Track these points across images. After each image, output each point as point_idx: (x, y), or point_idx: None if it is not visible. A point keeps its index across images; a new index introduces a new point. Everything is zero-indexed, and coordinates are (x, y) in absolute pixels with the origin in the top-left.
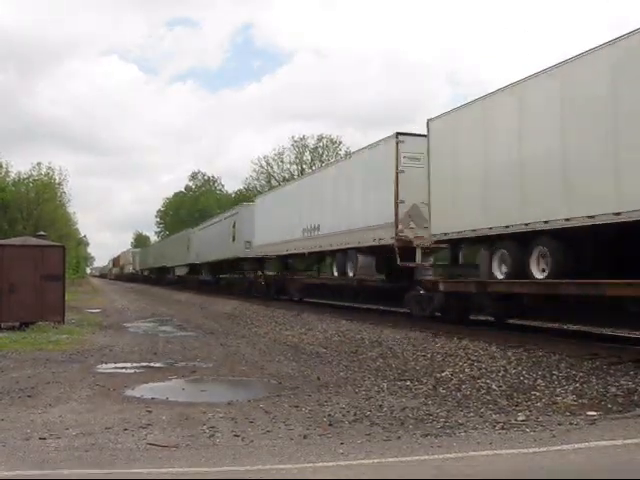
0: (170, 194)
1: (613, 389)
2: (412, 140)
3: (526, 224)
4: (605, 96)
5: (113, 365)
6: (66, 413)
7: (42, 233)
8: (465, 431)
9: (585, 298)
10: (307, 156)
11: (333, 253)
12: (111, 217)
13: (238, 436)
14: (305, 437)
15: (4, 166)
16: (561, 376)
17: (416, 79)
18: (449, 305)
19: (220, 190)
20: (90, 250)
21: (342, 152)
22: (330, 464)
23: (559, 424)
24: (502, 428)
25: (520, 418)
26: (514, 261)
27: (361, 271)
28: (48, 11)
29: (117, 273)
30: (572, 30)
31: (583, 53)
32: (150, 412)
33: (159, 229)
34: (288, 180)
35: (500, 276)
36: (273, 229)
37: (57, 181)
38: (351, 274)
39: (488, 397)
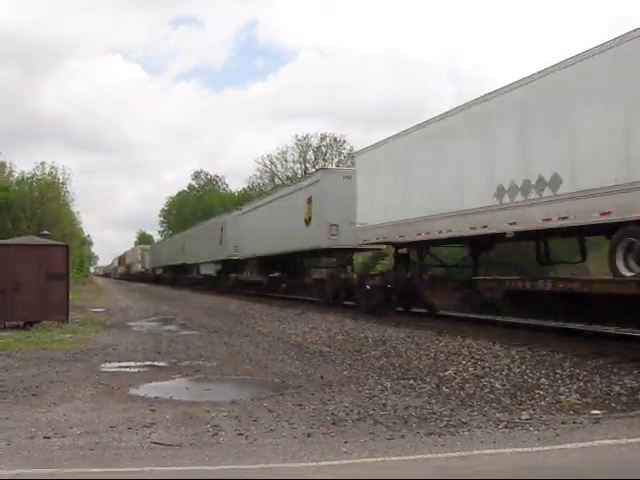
0: (173, 193)
1: (617, 388)
2: None
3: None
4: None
5: (117, 364)
6: (70, 412)
7: (46, 232)
8: (469, 430)
9: None
10: (310, 155)
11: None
12: (114, 216)
13: (242, 435)
14: (309, 436)
15: (8, 166)
16: (565, 375)
17: (419, 77)
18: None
19: (224, 189)
20: (93, 249)
21: (345, 151)
22: (334, 463)
23: (563, 423)
24: (506, 427)
25: (524, 417)
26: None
27: None
28: (52, 10)
29: (123, 272)
30: (572, 30)
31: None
32: (154, 411)
33: (162, 228)
34: (292, 179)
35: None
36: (401, 199)
37: (61, 180)
38: None
39: (492, 396)
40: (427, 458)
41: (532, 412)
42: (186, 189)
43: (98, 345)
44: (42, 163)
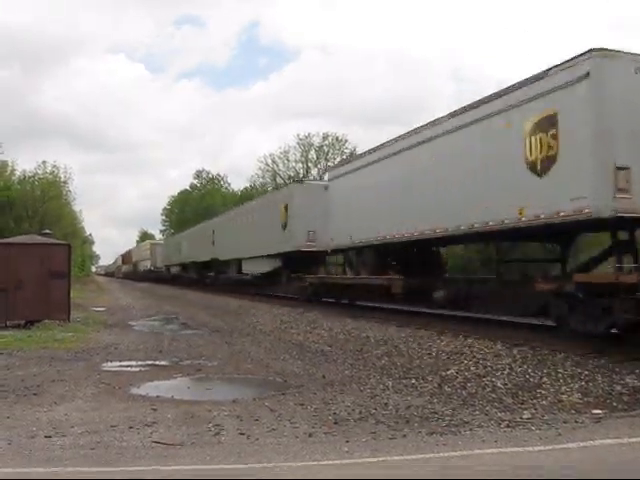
0: (175, 191)
1: (618, 387)
2: None
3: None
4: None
5: (118, 363)
6: (71, 411)
7: (48, 231)
8: (470, 429)
9: None
10: (312, 154)
11: None
12: (116, 215)
13: (243, 434)
14: (310, 435)
15: (10, 164)
16: (566, 374)
17: (420, 76)
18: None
19: (226, 188)
20: (95, 248)
21: (347, 150)
22: (335, 462)
23: (564, 422)
24: (507, 426)
25: (525, 416)
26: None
27: None
28: (55, 9)
29: (128, 271)
30: (572, 30)
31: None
32: (155, 410)
33: (164, 227)
34: (294, 178)
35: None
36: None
37: (62, 179)
38: None
39: (493, 395)
40: (429, 457)
41: (534, 411)
42: (188, 188)
43: (99, 344)
44: (44, 162)
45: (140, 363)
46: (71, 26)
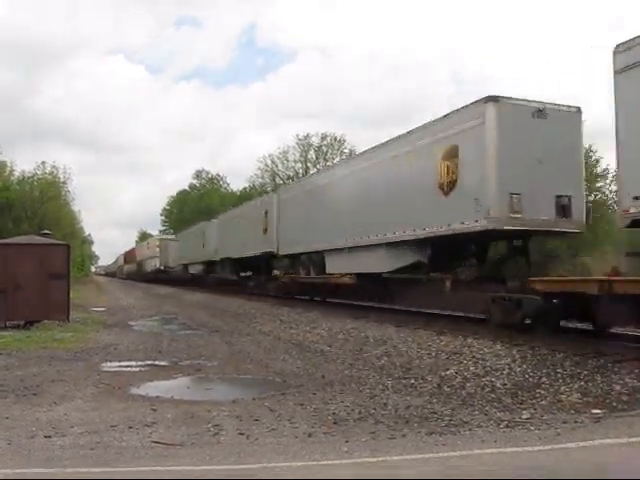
0: (174, 192)
1: (618, 387)
2: None
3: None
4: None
5: (118, 363)
6: (71, 411)
7: (47, 231)
8: (470, 429)
9: None
10: (312, 154)
11: None
12: (115, 216)
13: (243, 434)
14: (310, 435)
15: (8, 165)
16: (566, 374)
17: (419, 77)
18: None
19: (225, 188)
20: (94, 249)
21: (347, 151)
22: (335, 462)
23: (564, 422)
24: (507, 426)
25: (525, 416)
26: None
27: None
28: (55, 10)
29: (131, 271)
30: (572, 30)
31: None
32: (155, 410)
33: (163, 227)
34: (293, 178)
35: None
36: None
37: (61, 180)
38: None
39: (493, 395)
40: (428, 457)
41: (533, 411)
42: (187, 188)
43: (99, 344)
44: (43, 162)
45: (140, 363)
46: (71, 27)
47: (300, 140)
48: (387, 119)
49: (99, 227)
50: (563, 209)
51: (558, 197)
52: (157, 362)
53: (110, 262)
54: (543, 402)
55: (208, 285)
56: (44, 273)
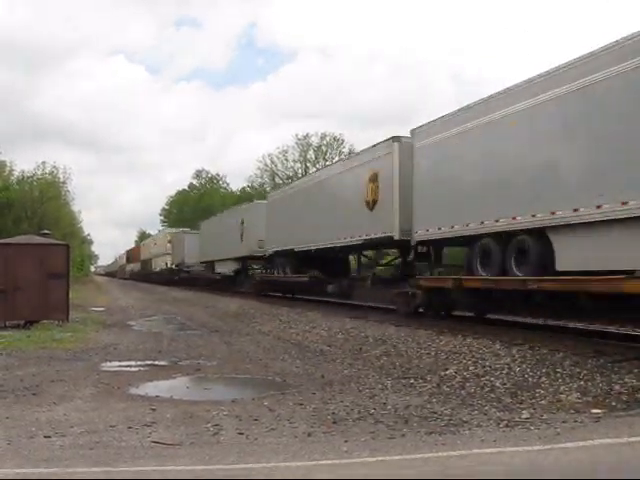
0: (174, 192)
1: (617, 387)
2: None
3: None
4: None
5: (117, 363)
6: (71, 411)
7: (46, 231)
8: (469, 429)
9: None
10: (311, 154)
11: None
12: (115, 216)
13: (242, 434)
14: (309, 435)
15: (8, 165)
16: (565, 374)
17: (419, 77)
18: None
19: (224, 188)
20: (94, 248)
21: (346, 150)
22: (334, 462)
23: (563, 422)
24: (506, 426)
25: (524, 416)
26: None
27: None
28: (55, 11)
29: (135, 271)
30: (572, 30)
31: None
32: (154, 410)
33: (163, 227)
34: (292, 178)
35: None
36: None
37: (61, 180)
38: None
39: (492, 395)
40: (428, 457)
41: (532, 411)
42: (186, 188)
43: (98, 344)
44: (43, 162)
45: (139, 363)
46: (71, 28)
47: (299, 140)
48: (387, 119)
49: (99, 227)
50: None
51: None
52: (157, 362)
53: (110, 262)
54: (543, 402)
55: (245, 288)
56: (44, 273)
